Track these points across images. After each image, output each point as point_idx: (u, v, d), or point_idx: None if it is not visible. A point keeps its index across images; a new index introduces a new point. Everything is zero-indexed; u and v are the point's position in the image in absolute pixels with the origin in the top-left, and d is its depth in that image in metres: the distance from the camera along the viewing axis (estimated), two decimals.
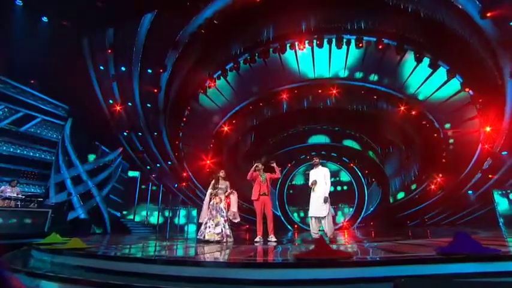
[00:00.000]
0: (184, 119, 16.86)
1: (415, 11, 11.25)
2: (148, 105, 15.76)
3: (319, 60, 14.20)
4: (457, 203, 13.69)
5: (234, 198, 6.66)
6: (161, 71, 14.74)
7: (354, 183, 17.08)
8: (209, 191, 6.70)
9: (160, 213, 16.86)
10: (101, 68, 14.86)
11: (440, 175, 14.77)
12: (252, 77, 15.49)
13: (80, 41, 13.63)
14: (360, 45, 12.28)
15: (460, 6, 10.81)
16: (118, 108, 15.58)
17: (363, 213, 16.91)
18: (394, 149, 17.15)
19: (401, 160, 16.99)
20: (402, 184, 17.08)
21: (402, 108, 14.25)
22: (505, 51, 10.89)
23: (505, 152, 12.20)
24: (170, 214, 16.88)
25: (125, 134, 16.34)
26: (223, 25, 13.13)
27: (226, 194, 6.58)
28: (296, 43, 13.42)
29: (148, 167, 17.12)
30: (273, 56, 14.10)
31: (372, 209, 16.94)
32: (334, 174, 16.59)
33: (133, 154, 16.51)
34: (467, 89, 12.38)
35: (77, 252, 3.66)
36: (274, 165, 6.50)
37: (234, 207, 6.60)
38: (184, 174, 17.71)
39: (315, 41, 13.06)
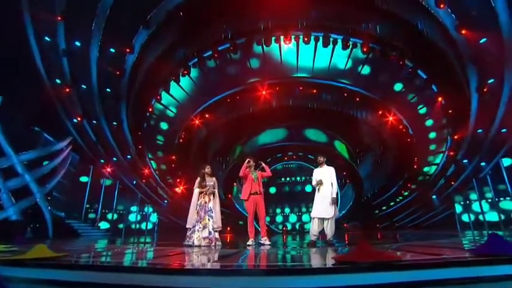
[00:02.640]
0: (151, 109, 15.02)
1: (400, 18, 11.60)
2: (108, 89, 13.61)
3: (303, 58, 13.81)
4: (424, 207, 14.52)
5: (217, 201, 6.05)
6: (128, 51, 12.82)
7: None
8: (196, 190, 6.02)
9: (115, 214, 14.71)
10: (47, 39, 12.27)
11: (411, 179, 15.57)
12: (231, 69, 14.43)
13: None
14: (347, 45, 12.18)
15: (440, 19, 11.37)
16: (67, 89, 13.07)
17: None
18: (369, 151, 17.65)
19: (375, 163, 17.55)
20: (375, 187, 17.60)
21: (380, 112, 14.64)
22: (474, 66, 11.77)
23: (466, 160, 13.24)
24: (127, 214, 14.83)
25: (75, 121, 13.82)
26: (205, 8, 11.90)
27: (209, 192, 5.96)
28: (282, 37, 12.80)
29: (102, 161, 14.77)
30: (256, 48, 13.28)
31: (343, 212, 17.14)
32: (310, 175, 16.20)
33: (84, 145, 14.07)
34: (440, 98, 13.17)
35: (48, 263, 2.72)
36: (263, 165, 6.22)
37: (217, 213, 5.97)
38: (146, 170, 15.77)
39: (301, 37, 12.59)
